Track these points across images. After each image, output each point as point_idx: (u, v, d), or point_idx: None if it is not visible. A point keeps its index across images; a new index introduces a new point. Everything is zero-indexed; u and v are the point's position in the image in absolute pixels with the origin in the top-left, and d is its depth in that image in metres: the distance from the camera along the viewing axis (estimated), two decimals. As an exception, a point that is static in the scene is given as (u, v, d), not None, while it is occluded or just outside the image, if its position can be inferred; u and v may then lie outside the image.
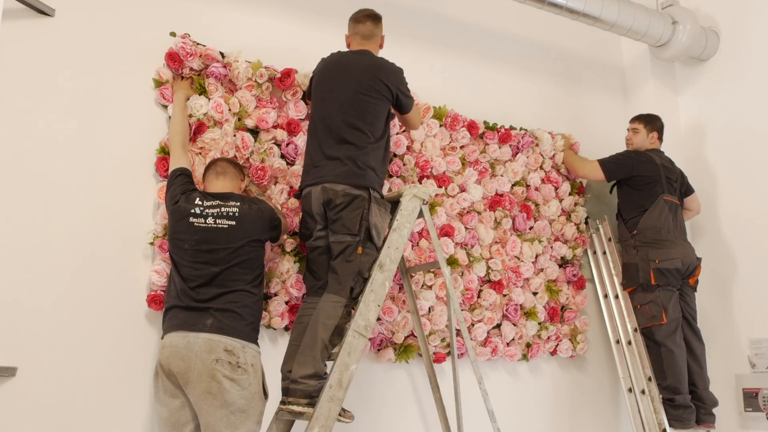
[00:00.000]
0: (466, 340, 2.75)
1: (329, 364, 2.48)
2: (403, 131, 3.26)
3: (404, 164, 3.24)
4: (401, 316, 3.10)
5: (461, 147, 3.45)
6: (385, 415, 3.08)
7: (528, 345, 3.49)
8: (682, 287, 3.60)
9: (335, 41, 2.98)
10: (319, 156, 2.66)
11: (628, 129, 3.84)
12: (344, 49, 2.89)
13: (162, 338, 2.41)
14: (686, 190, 3.83)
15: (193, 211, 2.45)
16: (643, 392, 3.45)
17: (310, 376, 2.41)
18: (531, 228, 3.63)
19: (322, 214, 2.61)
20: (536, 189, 3.68)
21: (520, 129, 3.69)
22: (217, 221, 2.45)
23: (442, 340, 3.19)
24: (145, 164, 2.70)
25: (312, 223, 2.64)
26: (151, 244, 2.64)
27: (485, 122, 3.56)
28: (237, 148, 2.81)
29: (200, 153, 2.76)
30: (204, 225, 2.44)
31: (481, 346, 3.32)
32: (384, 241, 2.62)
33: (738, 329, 3.86)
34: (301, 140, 2.94)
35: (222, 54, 2.84)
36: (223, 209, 2.47)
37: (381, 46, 2.90)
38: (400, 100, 2.79)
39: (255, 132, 2.90)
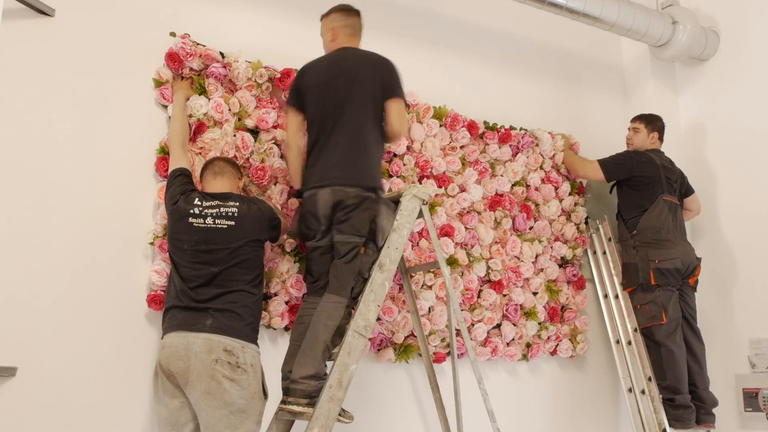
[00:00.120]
0: (466, 340, 2.75)
1: (329, 364, 2.48)
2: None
3: (404, 164, 3.24)
4: (401, 316, 3.10)
5: (461, 147, 3.45)
6: (385, 415, 3.08)
7: (528, 345, 3.49)
8: (681, 287, 3.60)
9: (335, 41, 2.98)
10: (325, 157, 2.62)
11: (629, 128, 3.85)
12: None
13: (162, 338, 2.41)
14: (686, 190, 3.83)
15: (192, 211, 2.45)
16: (643, 392, 3.45)
17: (310, 377, 2.41)
18: (531, 228, 3.63)
19: (328, 215, 2.58)
20: (536, 189, 3.68)
21: (520, 129, 3.70)
22: (217, 221, 2.45)
23: (442, 340, 3.19)
24: (145, 164, 2.70)
25: (316, 224, 2.60)
26: (151, 244, 2.64)
27: (485, 122, 3.56)
28: (237, 148, 2.81)
29: (200, 153, 2.76)
30: (203, 225, 2.44)
31: (481, 346, 3.33)
32: (384, 241, 2.62)
33: (738, 329, 3.86)
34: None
35: (222, 54, 2.84)
36: (222, 209, 2.47)
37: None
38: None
39: (255, 132, 2.90)
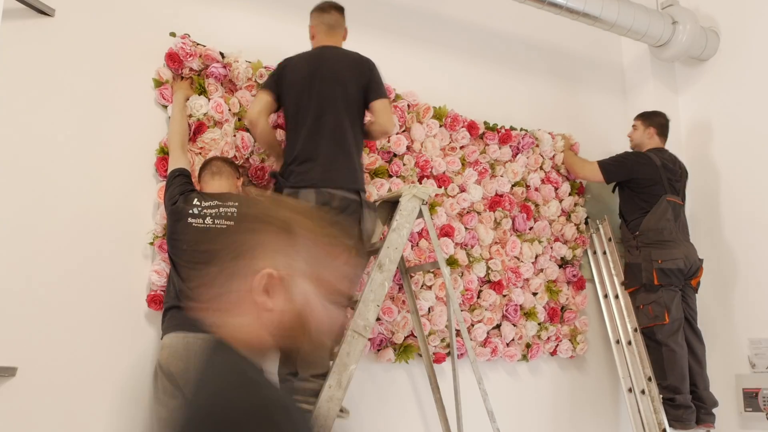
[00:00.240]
0: (465, 340, 2.75)
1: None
2: (403, 131, 3.26)
3: (404, 164, 3.24)
4: (401, 316, 3.10)
5: (461, 147, 3.45)
6: (385, 415, 3.08)
7: (528, 345, 3.49)
8: (683, 288, 3.60)
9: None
10: (309, 156, 2.59)
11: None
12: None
13: (161, 338, 2.41)
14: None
15: (191, 211, 2.45)
16: (643, 392, 3.45)
17: (320, 375, 2.42)
18: (531, 228, 3.62)
19: None
20: (536, 189, 3.68)
21: (520, 129, 3.69)
22: (216, 221, 2.44)
23: (442, 340, 3.19)
24: (145, 164, 2.70)
25: None
26: (151, 244, 2.64)
27: (485, 122, 3.56)
28: (237, 148, 2.81)
29: (200, 153, 2.76)
30: (202, 225, 2.44)
31: (480, 347, 3.32)
32: (384, 241, 2.62)
33: (738, 329, 3.86)
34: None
35: (222, 54, 2.84)
36: (221, 209, 2.47)
37: (344, 38, 2.85)
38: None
39: (255, 132, 2.90)
